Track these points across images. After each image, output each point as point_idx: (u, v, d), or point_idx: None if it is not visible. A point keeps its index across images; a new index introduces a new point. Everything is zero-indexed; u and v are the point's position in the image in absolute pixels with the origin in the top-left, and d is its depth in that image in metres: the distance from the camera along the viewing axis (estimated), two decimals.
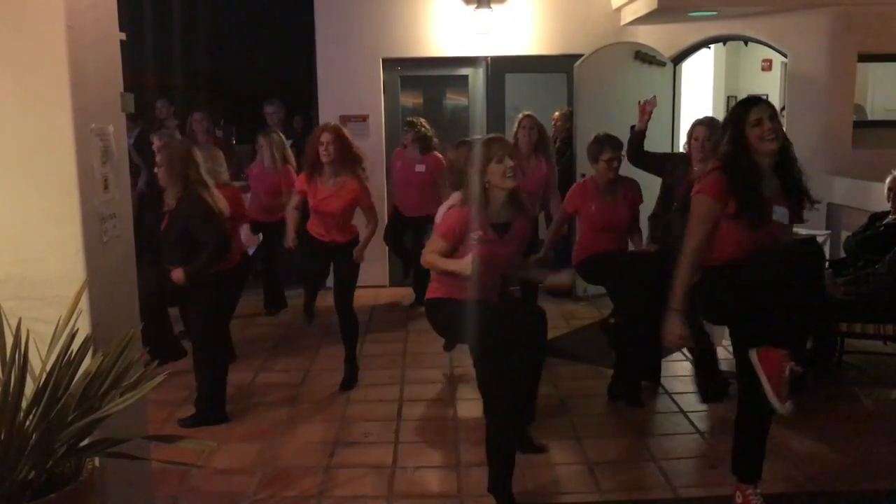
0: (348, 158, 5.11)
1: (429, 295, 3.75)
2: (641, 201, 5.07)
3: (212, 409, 4.72)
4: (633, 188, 5.03)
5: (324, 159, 5.05)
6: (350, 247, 5.25)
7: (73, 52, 2.93)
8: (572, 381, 5.28)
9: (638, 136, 5.22)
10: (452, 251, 3.54)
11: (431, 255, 3.60)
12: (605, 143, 4.88)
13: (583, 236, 5.05)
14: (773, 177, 3.31)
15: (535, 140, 5.87)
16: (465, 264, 3.43)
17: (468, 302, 3.56)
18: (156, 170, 4.71)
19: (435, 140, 6.87)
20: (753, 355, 3.22)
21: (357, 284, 5.43)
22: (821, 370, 5.22)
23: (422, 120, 6.95)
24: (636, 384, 4.90)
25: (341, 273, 5.32)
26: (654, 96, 5.25)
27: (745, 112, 3.28)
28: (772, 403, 3.18)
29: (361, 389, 5.24)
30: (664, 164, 5.15)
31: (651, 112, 5.21)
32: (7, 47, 2.90)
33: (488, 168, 3.41)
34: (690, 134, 4.91)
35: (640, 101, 5.22)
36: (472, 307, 3.55)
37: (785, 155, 3.34)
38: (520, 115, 6.14)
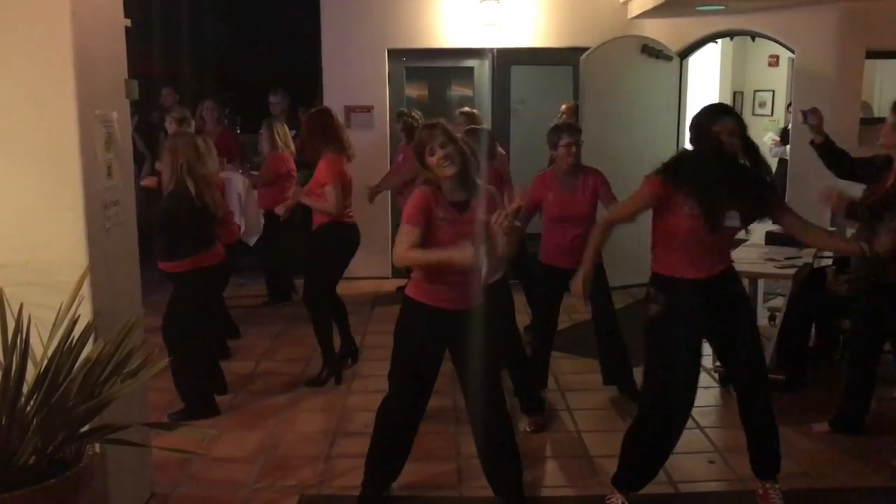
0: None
1: (407, 292, 3.49)
2: (606, 189, 4.73)
3: (200, 402, 4.61)
4: (597, 177, 4.76)
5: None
6: (316, 234, 5.22)
7: (77, 39, 2.93)
8: (573, 375, 5.27)
9: (824, 147, 4.53)
10: (423, 238, 3.30)
11: (409, 249, 3.27)
12: (562, 129, 4.79)
13: (545, 227, 4.85)
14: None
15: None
16: (462, 252, 3.20)
17: (439, 313, 3.39)
18: (157, 165, 4.70)
19: None
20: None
21: (356, 275, 5.44)
22: (822, 367, 5.22)
23: (413, 111, 6.93)
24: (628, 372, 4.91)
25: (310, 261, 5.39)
26: (816, 108, 4.57)
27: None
28: None
29: (362, 380, 5.24)
30: (867, 168, 4.44)
31: (819, 122, 4.51)
32: (12, 33, 2.91)
33: (426, 160, 3.33)
34: None
35: (803, 112, 4.57)
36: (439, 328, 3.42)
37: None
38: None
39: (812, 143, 4.57)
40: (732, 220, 3.30)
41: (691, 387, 3.49)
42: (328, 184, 5.01)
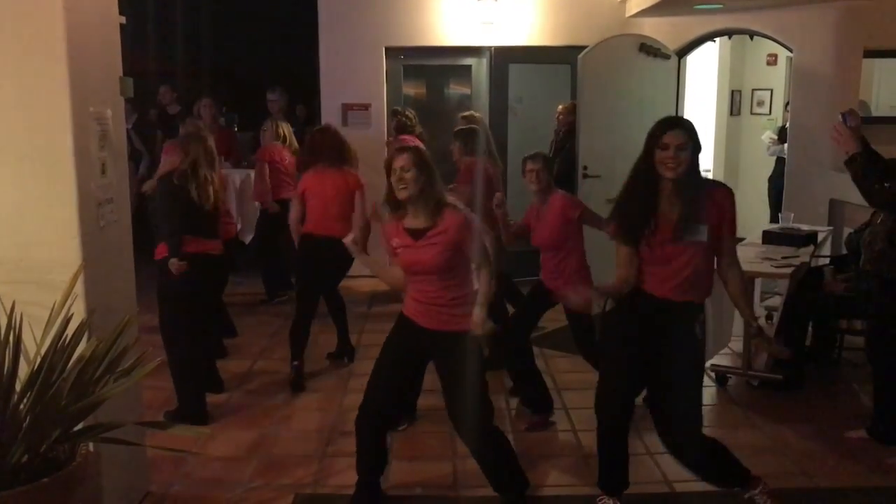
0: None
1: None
2: (579, 211, 4.42)
3: (190, 404, 4.52)
4: (566, 202, 4.47)
5: None
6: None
7: (71, 35, 2.92)
8: (570, 374, 5.26)
9: (862, 157, 3.93)
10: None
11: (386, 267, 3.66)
12: (526, 157, 4.53)
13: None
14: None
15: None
16: (388, 273, 3.55)
17: (411, 325, 3.45)
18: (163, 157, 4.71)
19: (418, 129, 6.82)
20: None
21: (355, 273, 5.44)
22: (820, 366, 5.21)
23: (408, 110, 6.93)
24: None
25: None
26: (853, 109, 4.09)
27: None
28: None
29: (359, 378, 5.22)
30: None
31: (858, 125, 3.97)
32: (5, 30, 2.89)
33: (391, 180, 3.35)
34: None
35: (842, 115, 3.97)
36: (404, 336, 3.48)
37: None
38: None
39: (849, 160, 3.94)
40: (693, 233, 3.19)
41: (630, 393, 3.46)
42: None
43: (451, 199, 3.43)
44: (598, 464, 3.55)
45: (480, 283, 3.42)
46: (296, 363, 5.15)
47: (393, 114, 6.96)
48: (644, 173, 3.23)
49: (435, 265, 3.32)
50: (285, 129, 6.96)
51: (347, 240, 3.55)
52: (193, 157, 4.51)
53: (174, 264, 4.42)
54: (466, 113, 6.54)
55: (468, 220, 3.36)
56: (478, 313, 3.36)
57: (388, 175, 3.36)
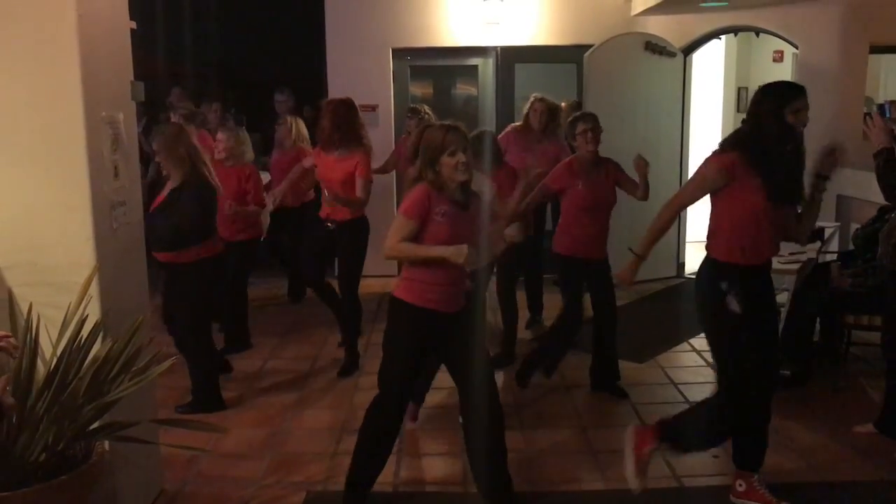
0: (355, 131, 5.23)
1: (395, 293, 3.47)
2: (625, 176, 4.87)
3: (207, 397, 4.72)
4: (616, 167, 4.89)
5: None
6: (351, 224, 5.25)
7: (83, 41, 2.96)
8: (579, 371, 5.28)
9: (889, 152, 4.07)
10: (417, 234, 3.29)
11: (400, 242, 3.27)
12: (578, 118, 4.84)
13: (567, 216, 4.82)
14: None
15: (545, 122, 6.11)
16: (459, 251, 3.17)
17: (430, 315, 3.37)
18: (156, 158, 4.71)
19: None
20: (629, 431, 3.53)
21: (365, 273, 5.47)
22: (828, 362, 5.22)
23: (425, 107, 6.96)
24: (613, 373, 4.97)
25: (343, 254, 5.37)
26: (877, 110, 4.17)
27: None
28: (629, 480, 3.47)
29: (369, 377, 5.26)
30: None
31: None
32: (19, 35, 2.94)
33: (441, 159, 3.26)
34: None
35: (880, 107, 4.18)
36: (430, 329, 3.41)
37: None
38: (531, 98, 6.18)
39: (877, 152, 4.08)
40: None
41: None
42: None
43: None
44: (738, 445, 3.59)
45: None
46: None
47: (413, 112, 6.98)
48: (788, 136, 3.30)
49: (480, 236, 3.42)
50: (301, 126, 6.96)
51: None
52: (186, 153, 4.52)
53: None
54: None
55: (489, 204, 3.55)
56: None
57: (435, 160, 3.28)
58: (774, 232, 3.41)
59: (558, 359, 5.03)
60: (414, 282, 3.39)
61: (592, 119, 4.79)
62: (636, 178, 4.79)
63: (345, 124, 5.18)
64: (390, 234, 3.33)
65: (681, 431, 3.53)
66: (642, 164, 4.71)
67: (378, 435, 3.54)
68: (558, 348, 4.98)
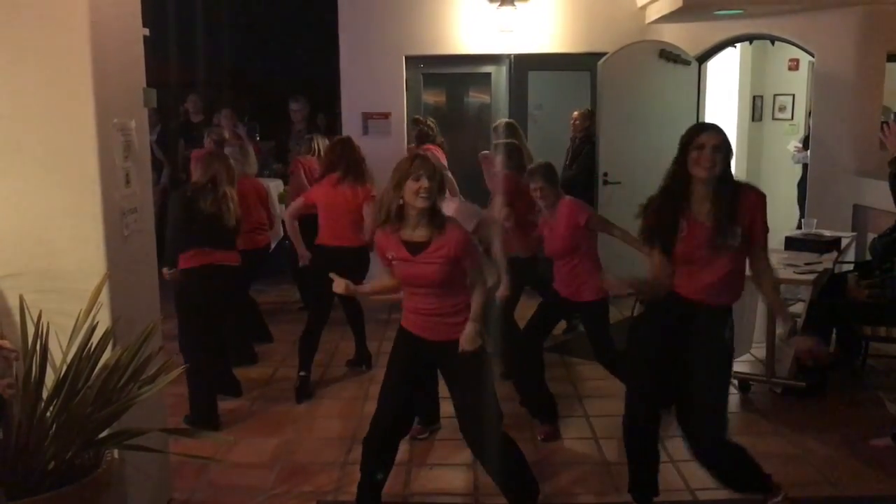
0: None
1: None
2: (586, 217, 4.43)
3: (198, 413, 4.58)
4: (572, 208, 4.47)
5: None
6: (356, 251, 5.18)
7: (96, 48, 2.96)
8: (591, 381, 5.25)
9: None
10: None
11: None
12: (531, 173, 4.58)
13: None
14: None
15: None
16: (337, 285, 3.47)
17: (412, 339, 3.45)
18: (192, 166, 4.79)
19: (439, 138, 6.87)
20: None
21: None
22: (844, 373, 5.16)
23: (428, 119, 6.96)
24: None
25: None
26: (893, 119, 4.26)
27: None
28: None
29: (379, 386, 5.23)
30: None
31: None
32: (32, 42, 2.94)
33: (405, 184, 3.24)
34: None
35: (886, 122, 4.20)
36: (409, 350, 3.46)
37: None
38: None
39: (892, 160, 4.11)
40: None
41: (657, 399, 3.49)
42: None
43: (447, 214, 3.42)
44: (628, 470, 3.55)
45: (473, 300, 3.39)
46: (303, 374, 5.13)
47: (414, 123, 7.00)
48: (678, 175, 3.25)
49: (436, 280, 3.31)
50: (321, 142, 6.95)
51: (339, 288, 3.53)
52: (213, 173, 4.68)
53: (165, 273, 4.60)
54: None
55: (468, 236, 3.37)
56: (469, 328, 3.35)
57: (400, 184, 3.26)
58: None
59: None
60: (404, 308, 3.53)
61: (539, 176, 4.50)
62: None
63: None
64: None
65: None
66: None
67: (373, 446, 3.51)
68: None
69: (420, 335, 3.43)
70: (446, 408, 4.66)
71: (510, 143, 5.55)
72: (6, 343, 2.77)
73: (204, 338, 4.67)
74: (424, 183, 3.21)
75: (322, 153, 6.87)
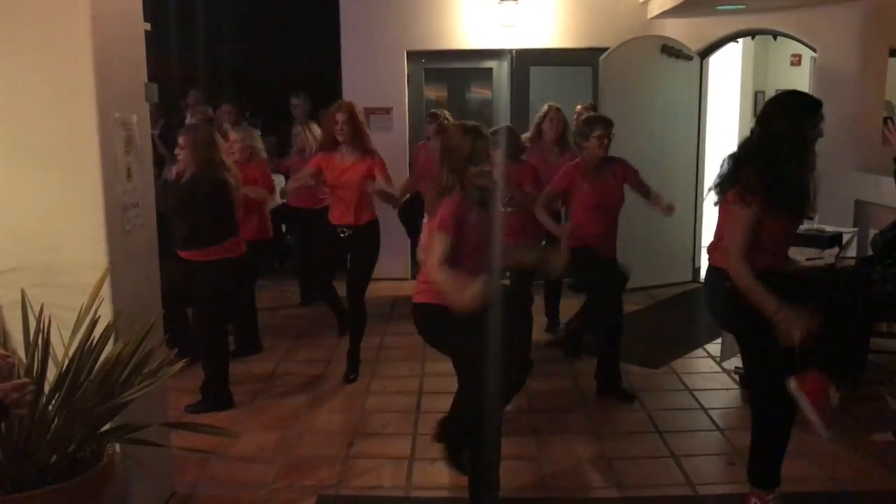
0: (362, 136, 5.23)
1: (419, 299, 3.47)
2: (636, 175, 5.03)
3: (216, 395, 4.75)
4: (624, 166, 5.01)
5: (339, 138, 5.14)
6: (366, 230, 5.21)
7: (97, 42, 2.96)
8: (592, 377, 5.25)
9: None
10: (453, 245, 3.31)
11: (440, 265, 3.25)
12: (595, 121, 4.93)
13: (575, 217, 4.94)
14: None
15: (560, 132, 6.15)
16: (473, 294, 3.13)
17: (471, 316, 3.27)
18: (176, 151, 4.69)
19: None
20: (792, 384, 3.16)
21: (376, 276, 5.45)
22: (845, 369, 5.15)
23: (445, 112, 6.94)
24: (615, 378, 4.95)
25: (356, 261, 5.33)
26: None
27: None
28: (819, 432, 3.18)
29: (381, 381, 5.26)
30: None
31: None
32: (32, 37, 2.94)
33: (468, 167, 3.34)
34: None
35: (889, 118, 4.42)
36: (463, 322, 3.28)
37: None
38: (545, 107, 6.18)
39: None
40: None
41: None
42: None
43: None
44: (758, 460, 3.45)
45: None
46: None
47: (432, 117, 6.96)
48: (801, 151, 3.21)
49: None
50: (315, 132, 6.98)
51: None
52: (203, 143, 4.62)
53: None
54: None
55: None
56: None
57: (465, 165, 3.35)
58: (785, 243, 3.37)
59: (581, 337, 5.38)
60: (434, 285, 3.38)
61: (609, 125, 4.89)
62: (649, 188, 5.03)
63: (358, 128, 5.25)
64: (431, 249, 3.33)
65: None
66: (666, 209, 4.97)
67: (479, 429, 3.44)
68: (595, 316, 5.15)
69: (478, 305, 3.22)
70: (445, 403, 4.68)
71: (508, 126, 5.56)
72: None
73: (225, 325, 4.88)
74: (487, 165, 3.39)
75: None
